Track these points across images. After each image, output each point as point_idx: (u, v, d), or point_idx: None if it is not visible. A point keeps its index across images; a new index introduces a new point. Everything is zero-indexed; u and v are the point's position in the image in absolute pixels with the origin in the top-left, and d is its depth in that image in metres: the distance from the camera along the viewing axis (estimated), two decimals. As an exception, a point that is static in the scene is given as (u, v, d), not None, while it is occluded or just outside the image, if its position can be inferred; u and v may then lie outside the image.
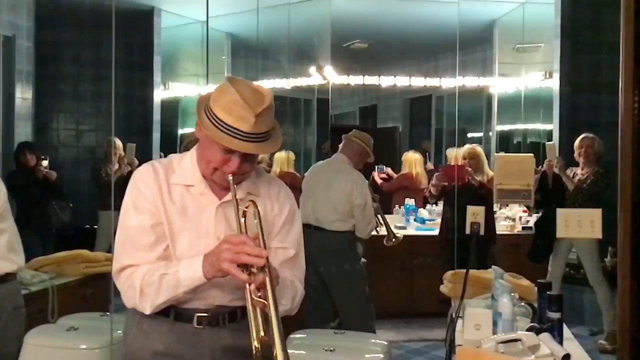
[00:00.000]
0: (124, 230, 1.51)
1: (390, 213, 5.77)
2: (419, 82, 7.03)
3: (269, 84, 6.61)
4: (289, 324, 2.65)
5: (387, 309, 4.65)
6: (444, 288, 2.97)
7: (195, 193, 1.53)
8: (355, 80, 6.92)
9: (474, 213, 2.54)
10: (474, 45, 6.81)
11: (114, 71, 5.66)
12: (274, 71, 6.83)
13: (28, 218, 4.96)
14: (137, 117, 6.32)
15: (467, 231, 2.60)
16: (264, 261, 1.33)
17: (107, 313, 2.82)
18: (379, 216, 4.12)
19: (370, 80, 6.94)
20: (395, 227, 5.33)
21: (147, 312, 1.48)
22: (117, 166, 5.03)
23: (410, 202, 5.80)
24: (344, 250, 3.75)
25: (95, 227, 5.38)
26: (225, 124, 1.39)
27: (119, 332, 2.60)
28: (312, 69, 6.44)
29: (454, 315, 2.36)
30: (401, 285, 5.08)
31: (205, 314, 1.52)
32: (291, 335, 2.54)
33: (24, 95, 5.72)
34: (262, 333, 1.29)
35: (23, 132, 5.71)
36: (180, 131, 7.26)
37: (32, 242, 5.00)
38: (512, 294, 2.24)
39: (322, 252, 3.67)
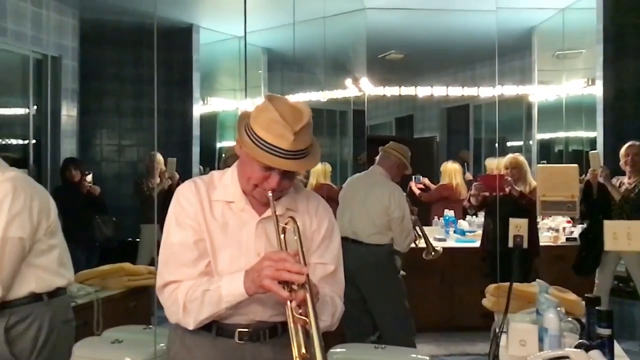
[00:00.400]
0: (167, 246, 1.53)
1: (429, 225, 5.71)
2: (456, 91, 6.96)
3: (304, 96, 6.66)
4: (329, 339, 2.64)
5: (427, 323, 4.58)
6: (486, 302, 2.90)
7: (236, 209, 1.55)
8: (391, 91, 6.91)
9: (517, 226, 2.47)
10: (512, 53, 6.71)
11: (154, 88, 5.81)
12: (310, 84, 6.87)
13: (73, 232, 5.05)
14: (177, 132, 6.46)
15: (510, 244, 2.54)
16: (304, 278, 1.32)
17: (150, 326, 2.87)
18: (417, 229, 4.07)
19: (406, 90, 6.92)
20: (435, 239, 5.27)
21: (191, 327, 1.49)
22: (158, 180, 5.14)
23: (449, 213, 5.71)
24: (382, 264, 3.70)
25: (138, 240, 5.49)
26: (265, 141, 1.41)
27: (162, 345, 2.65)
28: (348, 81, 6.46)
29: (497, 330, 2.30)
30: (442, 298, 5.00)
31: (247, 329, 1.52)
32: (331, 350, 2.53)
33: (69, 113, 5.92)
34: (303, 350, 1.29)
35: (68, 148, 5.90)
36: (219, 145, 7.39)
37: (76, 256, 5.08)
38: (559, 309, 2.17)
39: (360, 265, 3.63)
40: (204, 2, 5.85)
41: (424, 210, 5.79)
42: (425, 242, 4.11)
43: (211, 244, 1.51)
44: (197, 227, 1.51)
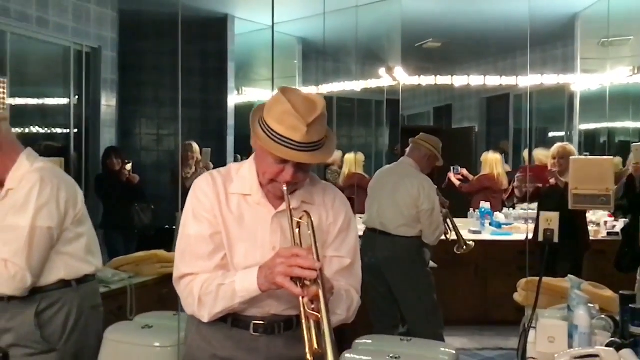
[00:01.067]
0: (184, 238, 1.55)
1: (465, 217, 5.62)
2: (494, 80, 6.78)
3: (339, 86, 6.63)
4: (357, 329, 2.63)
5: (460, 316, 4.52)
6: (517, 296, 2.84)
7: (252, 202, 1.55)
8: (426, 80, 6.79)
9: (548, 220, 2.39)
10: (554, 41, 6.49)
11: (190, 78, 5.87)
12: (344, 73, 6.83)
13: (113, 219, 5.26)
14: (213, 122, 6.53)
15: (540, 238, 2.46)
16: (316, 274, 1.32)
17: (181, 312, 2.92)
18: (448, 221, 4.00)
19: (442, 80, 6.78)
20: (470, 231, 5.20)
21: (205, 320, 1.51)
22: (193, 169, 5.21)
23: (485, 205, 5.60)
24: (410, 256, 3.66)
25: (174, 228, 5.59)
26: (278, 134, 1.41)
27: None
28: (382, 70, 6.39)
29: (526, 326, 2.25)
30: (475, 292, 4.92)
31: (262, 322, 1.54)
32: (357, 341, 2.51)
33: (108, 103, 6.07)
34: (315, 346, 1.29)
35: (108, 137, 6.04)
36: (254, 134, 7.43)
37: (116, 242, 5.29)
38: (591, 305, 2.10)
39: (388, 257, 3.62)
40: (239, -8, 5.88)
41: (460, 201, 5.71)
42: (457, 236, 4.05)
43: (227, 237, 1.52)
44: (214, 220, 1.52)
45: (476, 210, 5.63)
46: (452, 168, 6.03)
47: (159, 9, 5.73)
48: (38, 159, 2.02)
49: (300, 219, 1.45)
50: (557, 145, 4.38)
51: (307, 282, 1.33)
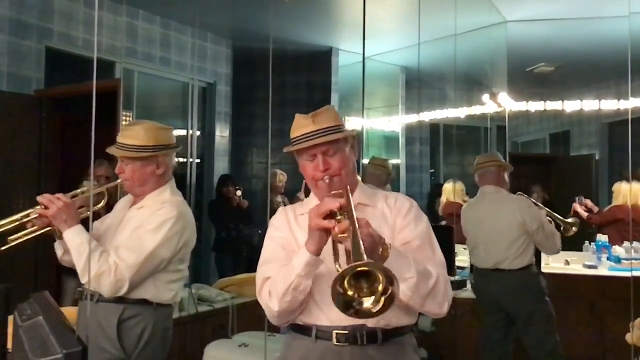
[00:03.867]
0: (262, 259, 1.70)
1: (579, 250, 5.25)
2: (611, 105, 6.33)
3: (442, 113, 6.55)
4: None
5: (574, 356, 4.20)
6: (628, 336, 2.61)
7: None
8: (535, 106, 6.51)
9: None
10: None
11: (297, 109, 6.10)
12: (447, 100, 6.75)
13: (223, 242, 5.57)
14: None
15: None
16: (337, 203, 1.44)
17: (275, 334, 3.03)
18: (550, 219, 3.79)
19: (552, 105, 6.46)
20: (585, 265, 4.86)
21: (276, 307, 1.56)
22: (279, 199, 5.46)
23: (602, 238, 5.20)
24: (528, 287, 3.47)
25: None
26: (295, 137, 1.67)
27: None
28: (485, 97, 6.24)
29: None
30: (591, 331, 4.53)
31: (344, 332, 1.57)
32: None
33: (222, 134, 6.49)
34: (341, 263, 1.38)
35: (221, 166, 6.45)
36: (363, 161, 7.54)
37: (226, 265, 5.59)
38: None
39: (506, 292, 3.46)
40: (343, 26, 6.06)
41: (577, 234, 5.36)
42: (561, 223, 3.85)
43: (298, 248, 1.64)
44: (285, 236, 1.70)
45: (592, 243, 5.25)
46: (577, 199, 5.68)
47: (267, 45, 6.08)
48: (177, 192, 2.26)
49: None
50: None
51: (339, 217, 1.42)
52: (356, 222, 1.38)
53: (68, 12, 4.81)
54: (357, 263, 1.25)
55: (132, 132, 2.15)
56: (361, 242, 1.30)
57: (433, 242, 1.68)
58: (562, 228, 3.85)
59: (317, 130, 1.63)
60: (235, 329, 3.42)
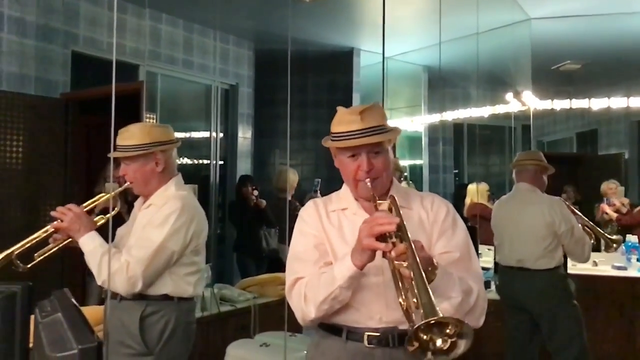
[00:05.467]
0: (293, 254, 1.67)
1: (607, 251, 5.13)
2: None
3: (465, 113, 6.49)
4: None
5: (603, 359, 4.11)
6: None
7: (350, 214, 1.66)
8: (560, 104, 6.40)
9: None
10: None
11: (319, 110, 6.09)
12: (471, 100, 6.69)
13: (243, 243, 5.58)
14: (339, 152, 6.69)
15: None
16: (394, 226, 1.36)
17: (296, 334, 3.03)
18: (587, 229, 3.66)
19: (578, 103, 6.34)
20: (613, 267, 4.75)
21: (312, 315, 1.54)
22: (289, 197, 5.43)
23: (632, 239, 5.08)
24: (554, 289, 3.38)
25: None
26: (339, 132, 1.59)
27: (304, 352, 2.78)
28: (509, 96, 6.16)
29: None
30: (620, 335, 4.43)
31: (376, 333, 1.56)
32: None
33: (244, 135, 6.53)
34: (411, 300, 1.30)
35: (244, 167, 6.49)
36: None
37: (247, 265, 5.59)
38: None
39: (530, 293, 3.38)
40: (364, 26, 6.05)
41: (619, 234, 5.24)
42: (603, 239, 3.73)
43: (331, 247, 1.62)
44: (317, 234, 1.65)
45: (621, 245, 5.13)
46: (604, 199, 5.56)
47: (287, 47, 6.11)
48: (183, 187, 2.28)
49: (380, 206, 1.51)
50: None
51: (393, 240, 1.35)
52: (415, 249, 1.32)
53: (93, 16, 4.90)
54: (432, 319, 1.20)
55: (128, 133, 2.19)
56: (426, 281, 1.25)
57: (471, 253, 1.63)
58: (603, 245, 3.73)
59: (365, 129, 1.55)
60: (257, 329, 3.43)
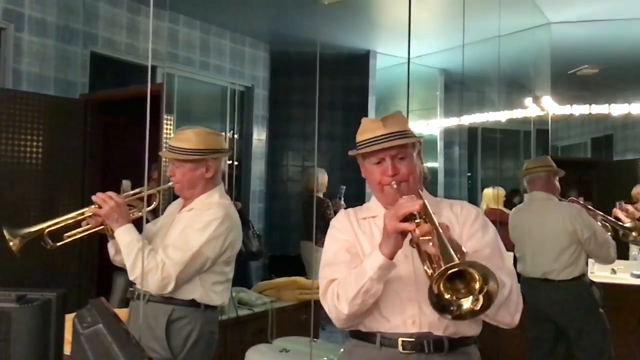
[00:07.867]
0: (325, 261, 1.67)
1: (626, 259, 5.07)
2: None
3: (482, 117, 6.44)
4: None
5: (624, 367, 4.05)
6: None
7: (380, 222, 1.63)
8: (579, 109, 6.33)
9: None
10: None
11: (334, 112, 6.08)
12: (488, 104, 6.64)
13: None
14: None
15: None
16: (417, 205, 1.39)
17: (315, 339, 3.01)
18: (608, 226, 3.64)
19: (597, 109, 6.28)
20: (632, 274, 4.69)
21: (345, 311, 1.52)
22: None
23: (651, 246, 5.02)
24: (580, 299, 3.33)
25: (293, 255, 5.76)
26: (364, 140, 1.64)
27: (325, 358, 2.77)
28: (529, 100, 6.11)
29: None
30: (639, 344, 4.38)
31: (410, 339, 1.54)
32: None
33: (259, 137, 6.53)
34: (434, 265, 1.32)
35: (258, 169, 6.48)
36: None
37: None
38: None
39: (556, 304, 3.34)
40: (381, 29, 6.03)
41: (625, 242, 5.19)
42: (619, 228, 3.70)
43: (363, 253, 1.62)
44: (349, 238, 1.67)
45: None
46: (617, 204, 5.50)
47: (303, 48, 6.11)
48: (225, 196, 2.29)
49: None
50: None
51: (418, 221, 1.38)
52: (438, 224, 1.35)
53: (112, 18, 4.92)
54: (452, 264, 1.22)
55: (184, 136, 2.21)
56: (448, 244, 1.28)
57: (502, 251, 1.64)
58: (621, 234, 3.68)
59: (387, 134, 1.60)
60: (275, 333, 3.41)
